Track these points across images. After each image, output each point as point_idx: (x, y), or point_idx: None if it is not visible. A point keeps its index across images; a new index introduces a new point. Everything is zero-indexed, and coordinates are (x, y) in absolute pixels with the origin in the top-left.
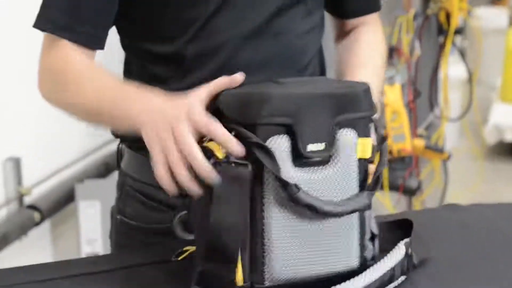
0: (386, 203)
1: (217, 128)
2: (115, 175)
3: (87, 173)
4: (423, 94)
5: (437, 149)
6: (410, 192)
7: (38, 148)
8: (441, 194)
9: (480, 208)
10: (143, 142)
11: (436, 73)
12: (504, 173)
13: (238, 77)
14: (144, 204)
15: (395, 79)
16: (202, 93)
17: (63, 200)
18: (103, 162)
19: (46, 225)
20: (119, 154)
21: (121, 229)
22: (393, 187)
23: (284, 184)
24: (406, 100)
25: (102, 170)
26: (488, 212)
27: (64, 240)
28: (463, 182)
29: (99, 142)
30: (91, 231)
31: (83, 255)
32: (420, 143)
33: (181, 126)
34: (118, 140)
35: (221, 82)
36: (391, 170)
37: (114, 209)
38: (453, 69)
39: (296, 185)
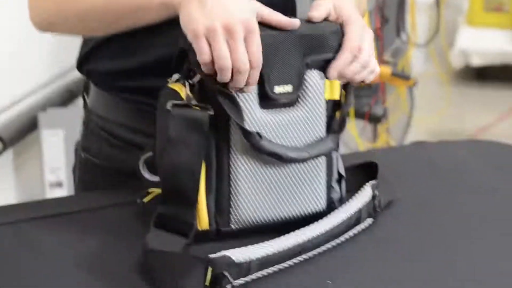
0: (352, 131)
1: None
2: (78, 103)
3: (50, 101)
4: (390, 19)
5: (404, 76)
6: (375, 120)
7: None
8: (407, 121)
9: (448, 145)
10: (113, 81)
11: None
12: (470, 98)
13: (297, 23)
14: (109, 143)
15: None
16: (264, 12)
17: (26, 129)
18: (67, 89)
19: (8, 154)
20: (85, 90)
21: (86, 166)
22: (359, 115)
23: (246, 133)
24: (373, 27)
25: (66, 98)
26: (456, 150)
27: (27, 169)
28: (429, 107)
29: (62, 69)
30: (54, 159)
31: (47, 184)
32: (386, 70)
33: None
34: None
35: (280, 20)
36: (357, 98)
37: (79, 145)
38: None
39: (258, 133)
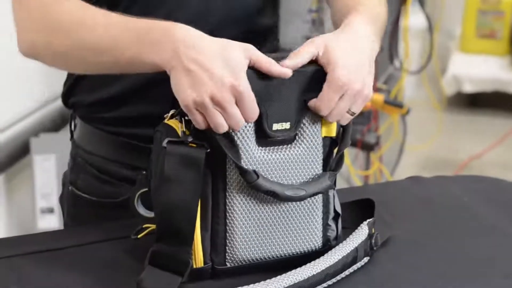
0: (344, 159)
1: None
2: None
3: (43, 126)
4: (383, 46)
5: (397, 104)
6: (368, 148)
7: None
8: (400, 148)
9: (443, 181)
10: (95, 113)
11: (397, 25)
12: (462, 125)
13: (288, 73)
14: (96, 177)
15: None
16: (256, 58)
17: (18, 154)
18: (59, 114)
19: (0, 179)
20: (71, 124)
21: (72, 199)
22: (352, 143)
23: (243, 171)
24: None
25: (58, 123)
26: (451, 186)
27: (19, 194)
28: (422, 134)
29: (54, 94)
30: (46, 185)
31: (38, 210)
32: (379, 97)
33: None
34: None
35: (270, 69)
36: None
37: (66, 177)
38: (413, 18)
39: (255, 171)
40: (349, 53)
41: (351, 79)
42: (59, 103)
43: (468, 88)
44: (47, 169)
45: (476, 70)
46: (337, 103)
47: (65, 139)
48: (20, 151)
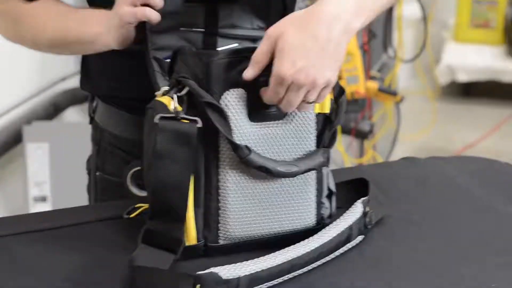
0: (338, 147)
1: None
2: (63, 117)
3: (35, 114)
4: (377, 34)
5: (390, 92)
6: (362, 135)
7: None
8: (393, 136)
9: (437, 161)
10: (117, 93)
11: (391, 13)
12: (456, 114)
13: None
14: (125, 160)
15: None
16: None
17: (10, 142)
18: (52, 102)
19: None
20: (91, 108)
21: (102, 185)
22: (346, 131)
23: (235, 146)
24: (360, 41)
25: (51, 111)
26: (446, 167)
27: (11, 182)
28: (416, 123)
29: (47, 83)
30: (38, 173)
31: (31, 198)
32: (373, 85)
33: None
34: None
35: None
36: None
37: (92, 165)
38: (407, 8)
39: (247, 147)
40: (299, 43)
41: (296, 72)
42: (52, 91)
43: (462, 77)
44: (40, 158)
45: (470, 59)
46: (286, 94)
47: (58, 127)
48: (13, 139)
